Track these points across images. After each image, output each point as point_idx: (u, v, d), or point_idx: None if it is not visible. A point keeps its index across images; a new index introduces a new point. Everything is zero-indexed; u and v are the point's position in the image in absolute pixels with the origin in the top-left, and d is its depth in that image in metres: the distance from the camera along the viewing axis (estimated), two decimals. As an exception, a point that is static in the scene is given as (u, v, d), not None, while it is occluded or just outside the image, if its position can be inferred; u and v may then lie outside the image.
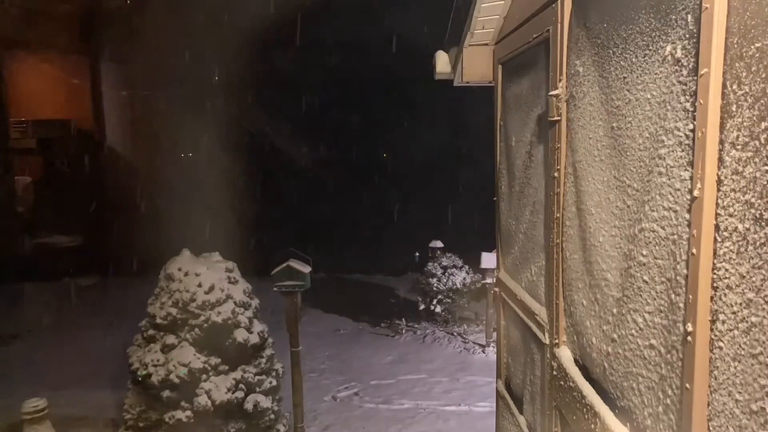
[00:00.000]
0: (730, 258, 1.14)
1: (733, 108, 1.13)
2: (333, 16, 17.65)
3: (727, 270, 1.16)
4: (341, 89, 18.07)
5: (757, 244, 1.06)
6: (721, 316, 1.18)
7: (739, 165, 1.11)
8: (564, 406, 2.15)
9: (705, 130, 1.20)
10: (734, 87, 1.13)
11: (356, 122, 18.14)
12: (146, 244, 12.77)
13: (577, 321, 2.01)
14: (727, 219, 1.15)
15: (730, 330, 1.15)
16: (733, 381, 1.14)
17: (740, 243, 1.11)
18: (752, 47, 1.07)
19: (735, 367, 1.13)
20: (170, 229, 13.12)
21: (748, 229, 1.08)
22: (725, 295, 1.17)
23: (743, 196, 1.10)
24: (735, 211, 1.13)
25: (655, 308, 1.42)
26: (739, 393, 1.12)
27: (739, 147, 1.11)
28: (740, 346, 1.11)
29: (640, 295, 1.47)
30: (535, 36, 2.42)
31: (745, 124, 1.09)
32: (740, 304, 1.11)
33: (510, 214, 3.09)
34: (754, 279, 1.07)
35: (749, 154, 1.08)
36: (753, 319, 1.07)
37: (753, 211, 1.07)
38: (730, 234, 1.14)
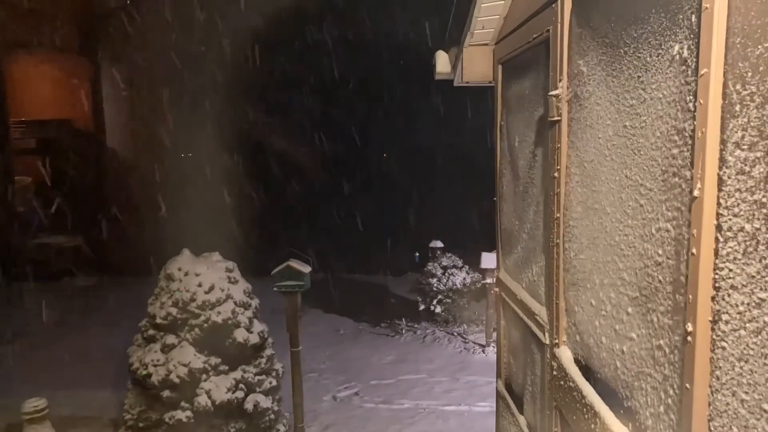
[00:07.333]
0: (735, 258, 1.14)
1: (737, 108, 1.13)
2: (334, 15, 17.64)
3: (731, 270, 1.16)
4: (341, 89, 18.06)
5: None
6: (725, 317, 1.18)
7: (746, 165, 1.11)
8: (564, 406, 2.15)
9: (705, 130, 1.20)
10: (737, 87, 1.13)
11: (356, 122, 18.13)
12: (146, 244, 12.78)
13: (583, 321, 2.01)
14: (731, 219, 1.15)
15: (735, 330, 1.15)
16: (738, 381, 1.14)
17: (748, 243, 1.11)
18: (759, 47, 1.07)
19: (741, 367, 1.13)
20: (170, 228, 13.12)
21: (758, 229, 1.08)
22: (729, 295, 1.17)
23: (751, 196, 1.10)
24: (741, 210, 1.13)
25: (665, 308, 1.42)
26: (746, 393, 1.12)
27: (745, 147, 1.11)
28: (748, 346, 1.11)
29: (656, 295, 1.47)
30: (534, 36, 2.42)
31: (752, 124, 1.09)
32: (748, 304, 1.11)
33: (510, 214, 3.09)
34: (767, 278, 1.07)
35: (759, 154, 1.08)
36: (767, 318, 1.07)
37: (765, 211, 1.07)
38: (735, 234, 1.14)
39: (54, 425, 5.31)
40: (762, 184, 1.07)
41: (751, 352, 1.11)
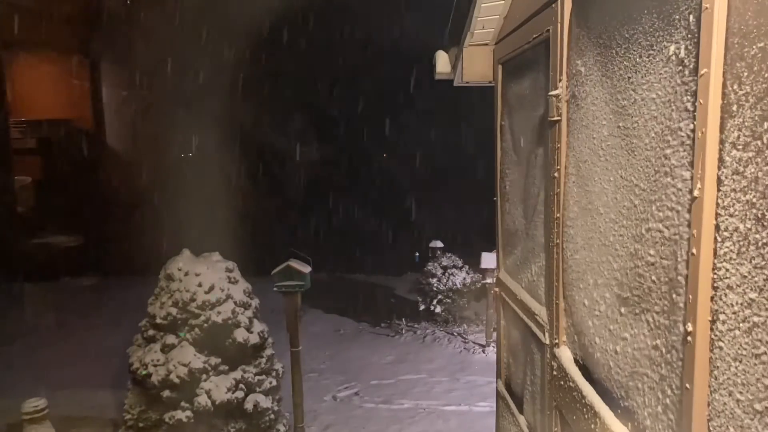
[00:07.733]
0: (731, 258, 1.14)
1: (734, 108, 1.13)
2: (334, 15, 17.65)
3: (727, 270, 1.16)
4: (341, 89, 18.08)
5: (759, 244, 1.06)
6: (722, 316, 1.18)
7: (740, 165, 1.11)
8: (564, 406, 2.15)
9: (705, 130, 1.20)
10: (735, 87, 1.13)
11: (356, 122, 18.15)
12: (146, 244, 12.77)
13: (579, 321, 2.01)
14: (727, 219, 1.15)
15: (731, 330, 1.15)
16: (734, 381, 1.14)
17: (741, 243, 1.11)
18: (754, 47, 1.07)
19: (736, 367, 1.13)
20: (170, 228, 13.12)
21: (749, 229, 1.08)
22: (726, 295, 1.17)
23: (744, 196, 1.10)
24: (736, 211, 1.13)
25: (661, 308, 1.42)
26: (741, 393, 1.12)
27: (740, 147, 1.11)
28: (741, 346, 1.11)
29: (650, 295, 1.47)
30: (534, 36, 2.42)
31: (746, 124, 1.09)
32: (741, 304, 1.11)
33: (510, 214, 3.09)
34: (756, 279, 1.07)
35: (751, 154, 1.08)
36: (755, 319, 1.07)
37: (755, 211, 1.07)
38: (731, 234, 1.14)
39: (54, 425, 5.31)
40: (753, 184, 1.07)
41: (744, 352, 1.11)
